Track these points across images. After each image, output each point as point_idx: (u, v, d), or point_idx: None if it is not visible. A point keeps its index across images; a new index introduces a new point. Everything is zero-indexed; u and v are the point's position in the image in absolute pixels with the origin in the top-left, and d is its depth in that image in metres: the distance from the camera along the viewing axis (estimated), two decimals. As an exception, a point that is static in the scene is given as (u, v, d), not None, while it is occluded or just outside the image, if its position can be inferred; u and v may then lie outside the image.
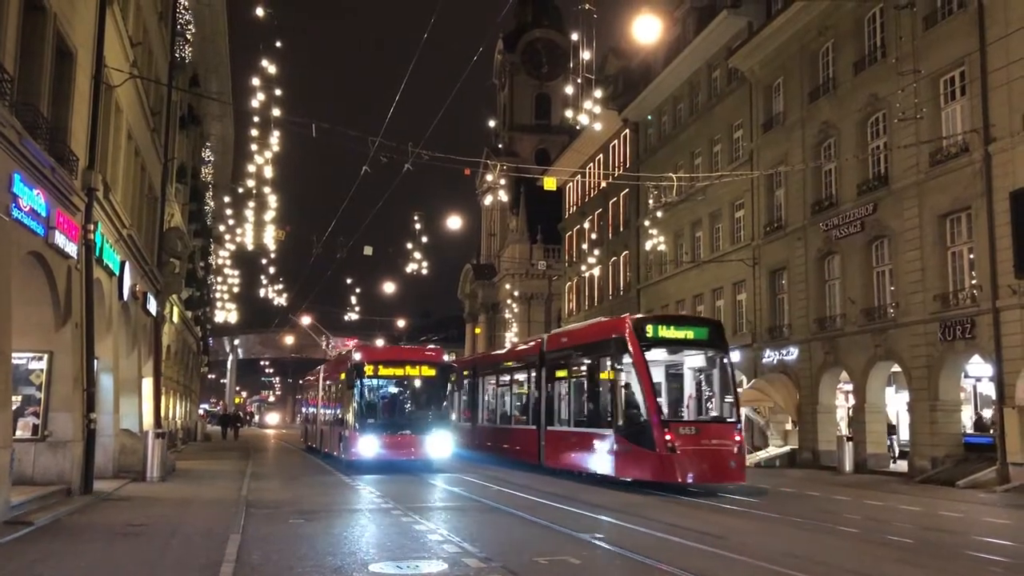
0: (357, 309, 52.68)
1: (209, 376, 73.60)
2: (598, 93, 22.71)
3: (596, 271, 45.90)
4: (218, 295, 47.73)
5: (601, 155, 46.07)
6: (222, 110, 38.05)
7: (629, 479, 17.83)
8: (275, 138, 25.13)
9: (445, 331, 75.62)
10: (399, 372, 22.59)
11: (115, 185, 17.87)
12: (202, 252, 37.61)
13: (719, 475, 17.31)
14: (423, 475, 20.48)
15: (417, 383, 22.83)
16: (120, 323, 19.12)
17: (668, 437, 16.71)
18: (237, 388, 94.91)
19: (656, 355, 18.47)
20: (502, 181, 38.57)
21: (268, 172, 26.84)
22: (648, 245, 34.58)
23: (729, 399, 18.37)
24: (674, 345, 18.77)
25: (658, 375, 19.06)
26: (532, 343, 25.09)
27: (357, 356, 22.69)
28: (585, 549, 9.73)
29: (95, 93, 15.18)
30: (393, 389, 23.13)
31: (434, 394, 22.78)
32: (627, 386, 17.92)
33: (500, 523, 12.30)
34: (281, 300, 44.95)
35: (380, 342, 52.67)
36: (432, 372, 22.53)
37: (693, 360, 19.49)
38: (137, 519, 11.67)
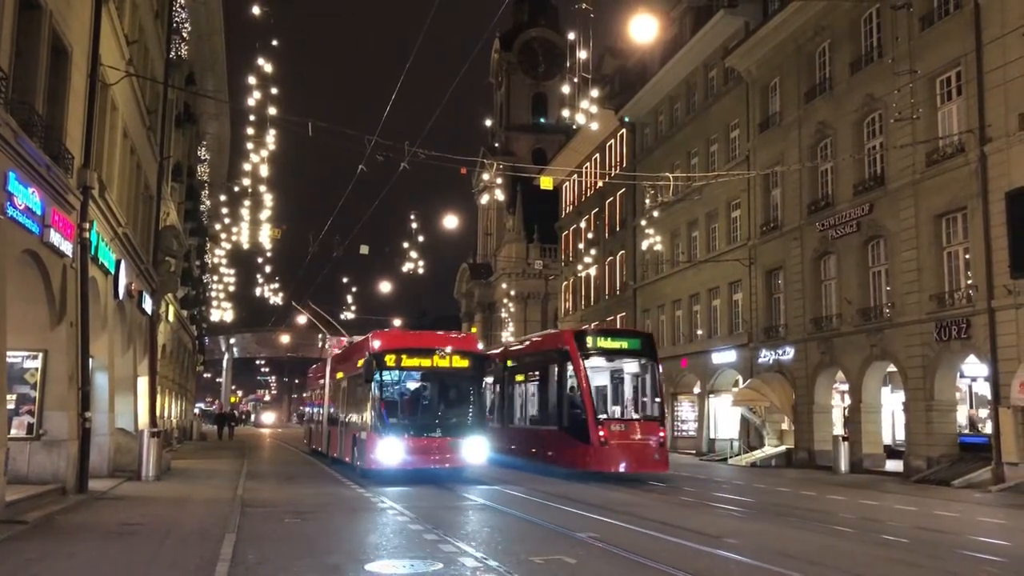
0: (353, 308, 52.59)
1: (205, 375, 73.47)
2: (595, 92, 22.82)
3: (592, 271, 45.92)
4: (214, 294, 47.61)
5: (598, 154, 46.08)
6: (218, 108, 37.95)
7: (565, 468, 20.20)
8: (271, 136, 25.14)
9: (441, 331, 75.47)
10: (427, 363, 19.01)
11: (110, 183, 17.82)
12: (198, 251, 37.54)
13: (644, 465, 19.96)
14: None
15: (449, 376, 19.30)
16: (115, 322, 19.08)
17: (602, 433, 19.43)
18: (233, 387, 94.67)
19: (596, 363, 21.06)
20: (498, 180, 38.65)
21: (264, 171, 26.80)
22: (644, 245, 34.65)
23: (656, 400, 21.24)
24: (610, 354, 21.38)
25: (600, 379, 21.83)
26: (496, 351, 27.56)
27: (376, 343, 19.16)
28: (581, 548, 9.72)
29: (91, 91, 15.13)
30: (420, 383, 19.63)
31: (469, 389, 19.39)
32: (570, 389, 20.46)
33: (496, 522, 12.29)
34: (277, 299, 44.93)
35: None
36: (466, 363, 19.13)
37: (628, 367, 21.91)
38: (132, 518, 11.64)
